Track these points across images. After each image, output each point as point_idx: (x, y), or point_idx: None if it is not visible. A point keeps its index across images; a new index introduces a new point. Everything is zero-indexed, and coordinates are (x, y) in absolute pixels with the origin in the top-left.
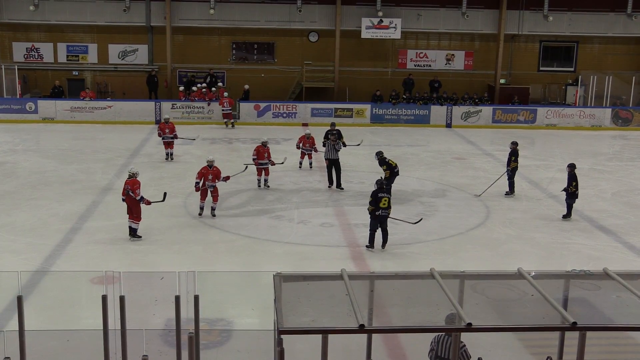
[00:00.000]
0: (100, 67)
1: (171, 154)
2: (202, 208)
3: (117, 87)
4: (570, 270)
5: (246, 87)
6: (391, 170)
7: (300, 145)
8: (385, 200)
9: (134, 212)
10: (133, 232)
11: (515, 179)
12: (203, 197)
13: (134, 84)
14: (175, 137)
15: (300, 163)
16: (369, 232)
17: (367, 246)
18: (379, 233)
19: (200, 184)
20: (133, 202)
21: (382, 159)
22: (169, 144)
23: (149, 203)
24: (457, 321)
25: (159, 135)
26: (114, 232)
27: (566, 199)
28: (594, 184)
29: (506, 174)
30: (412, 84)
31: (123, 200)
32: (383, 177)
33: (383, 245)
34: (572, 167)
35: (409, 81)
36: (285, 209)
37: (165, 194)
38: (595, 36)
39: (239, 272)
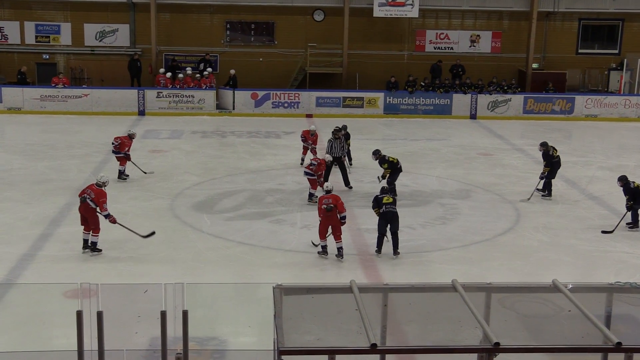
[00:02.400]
0: (75, 49)
1: (124, 170)
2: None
3: (94, 73)
4: (613, 282)
5: (232, 72)
6: (393, 167)
7: (304, 140)
8: (389, 197)
9: (91, 223)
10: (93, 245)
11: (561, 174)
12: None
13: (114, 69)
14: (128, 157)
15: (302, 159)
16: (377, 235)
17: (375, 251)
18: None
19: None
20: (91, 212)
21: (382, 158)
22: (124, 159)
23: (114, 222)
24: (483, 341)
25: (118, 149)
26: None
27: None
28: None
29: (540, 178)
30: (440, 71)
31: (82, 200)
32: (381, 176)
33: (394, 252)
34: (623, 181)
35: (437, 67)
36: (286, 212)
37: (153, 233)
38: None
39: (233, 284)
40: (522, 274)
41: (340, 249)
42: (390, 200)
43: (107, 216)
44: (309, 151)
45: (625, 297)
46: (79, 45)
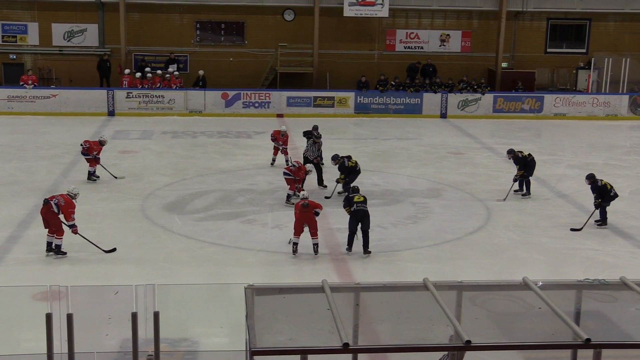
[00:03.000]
0: (43, 49)
1: (94, 172)
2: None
3: (63, 73)
4: (583, 279)
5: (201, 72)
6: (352, 171)
7: (275, 140)
8: (360, 196)
9: (53, 226)
10: (57, 249)
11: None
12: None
13: (83, 69)
14: (97, 160)
15: (273, 160)
16: (348, 234)
17: (346, 249)
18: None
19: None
20: (52, 215)
21: (341, 165)
22: (93, 161)
23: (76, 232)
24: (455, 339)
25: (87, 152)
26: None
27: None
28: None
29: (513, 181)
30: (417, 71)
31: (45, 203)
32: (339, 179)
33: (364, 251)
34: (591, 179)
35: (414, 67)
36: (257, 212)
37: (114, 249)
38: (610, 12)
39: (205, 285)
40: (492, 272)
41: (315, 245)
42: (362, 199)
43: (72, 226)
44: (279, 152)
45: (594, 293)
46: (46, 45)
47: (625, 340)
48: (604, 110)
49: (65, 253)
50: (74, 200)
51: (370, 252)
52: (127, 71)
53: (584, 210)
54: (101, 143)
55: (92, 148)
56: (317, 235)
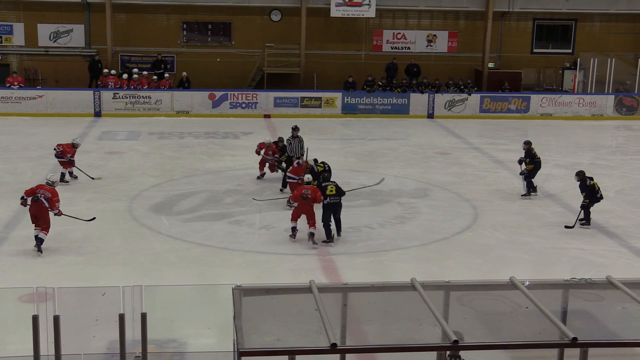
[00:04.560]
0: (28, 50)
1: (71, 173)
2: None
3: (49, 74)
4: (569, 278)
5: (184, 74)
6: (323, 173)
7: (262, 152)
8: (332, 188)
9: (42, 222)
10: (40, 242)
11: (508, 175)
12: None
13: (69, 70)
14: (72, 162)
15: (262, 175)
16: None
17: (324, 242)
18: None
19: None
20: (44, 211)
21: (311, 171)
22: (67, 164)
23: (60, 214)
24: (442, 339)
25: (60, 155)
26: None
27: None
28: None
29: (521, 176)
30: (395, 70)
31: (24, 203)
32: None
33: (338, 233)
34: (580, 176)
35: (393, 66)
36: (245, 213)
37: (94, 218)
38: (595, 13)
39: (192, 286)
40: (480, 272)
41: (311, 234)
42: (334, 191)
43: (57, 213)
44: (267, 166)
45: (581, 293)
46: (32, 46)
47: (612, 339)
48: (589, 110)
49: (41, 252)
50: (54, 188)
51: (340, 235)
52: (113, 72)
53: (570, 210)
54: (74, 145)
55: (66, 151)
56: (314, 225)
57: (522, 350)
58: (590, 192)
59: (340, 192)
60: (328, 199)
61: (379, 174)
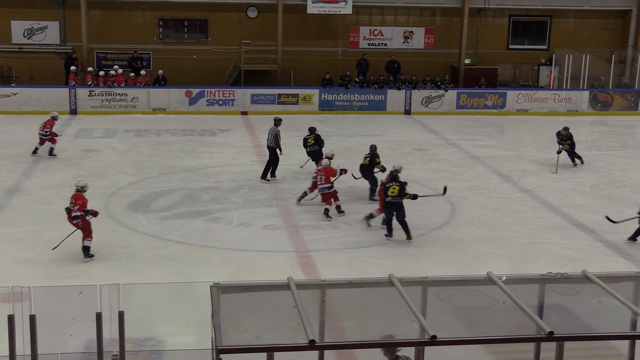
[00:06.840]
0: (2, 47)
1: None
2: None
3: (23, 71)
4: (545, 273)
5: (160, 72)
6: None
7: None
8: (394, 189)
9: (87, 230)
10: (86, 250)
11: (485, 171)
12: None
13: (44, 67)
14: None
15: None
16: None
17: (385, 235)
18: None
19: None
20: (84, 219)
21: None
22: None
23: (94, 214)
24: (420, 334)
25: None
26: (22, 240)
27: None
28: (571, 176)
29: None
30: (367, 66)
31: (67, 211)
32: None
33: (407, 236)
34: (568, 130)
35: (364, 62)
36: (222, 210)
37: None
38: (570, 9)
39: (170, 284)
40: (457, 268)
41: (326, 209)
42: (396, 192)
43: (85, 214)
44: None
45: (557, 287)
46: (6, 43)
47: (588, 332)
48: (565, 106)
49: (92, 256)
50: (83, 194)
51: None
52: (72, 68)
53: (546, 205)
54: (54, 118)
55: (47, 125)
56: (330, 202)
57: (500, 344)
58: (573, 144)
59: (402, 194)
60: (389, 198)
61: (356, 171)
